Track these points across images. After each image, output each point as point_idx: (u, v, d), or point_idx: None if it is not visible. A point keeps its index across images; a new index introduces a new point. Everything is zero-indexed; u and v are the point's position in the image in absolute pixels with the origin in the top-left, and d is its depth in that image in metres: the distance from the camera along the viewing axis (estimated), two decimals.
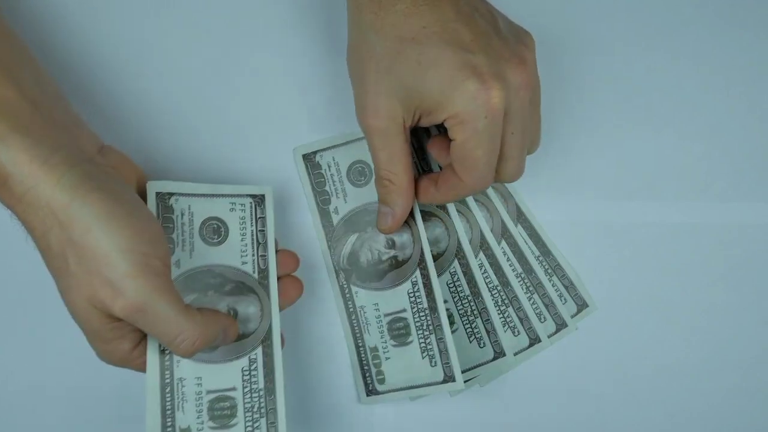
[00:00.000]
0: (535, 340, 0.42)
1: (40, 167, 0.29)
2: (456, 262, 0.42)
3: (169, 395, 0.35)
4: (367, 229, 0.41)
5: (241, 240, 0.38)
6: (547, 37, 0.44)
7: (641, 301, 0.43)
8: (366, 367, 0.40)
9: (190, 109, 0.42)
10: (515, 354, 0.42)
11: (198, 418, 0.35)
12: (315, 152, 0.42)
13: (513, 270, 0.43)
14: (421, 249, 0.40)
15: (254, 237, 0.38)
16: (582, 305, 0.43)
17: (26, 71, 0.33)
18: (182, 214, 0.37)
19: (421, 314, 0.39)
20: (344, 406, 0.42)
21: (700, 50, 0.45)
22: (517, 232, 0.43)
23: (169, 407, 0.35)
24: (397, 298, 0.40)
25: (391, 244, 0.41)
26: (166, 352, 0.35)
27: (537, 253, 0.44)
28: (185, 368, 0.35)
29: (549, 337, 0.43)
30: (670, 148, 0.44)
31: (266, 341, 0.37)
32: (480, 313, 0.42)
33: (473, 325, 0.42)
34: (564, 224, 0.44)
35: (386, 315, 0.40)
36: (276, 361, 0.37)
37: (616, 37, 0.44)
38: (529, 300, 0.43)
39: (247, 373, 0.36)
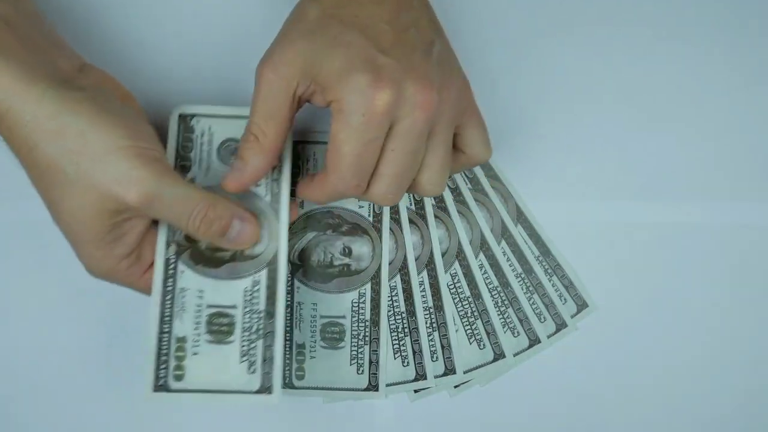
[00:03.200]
0: (535, 341, 0.43)
1: (18, 84, 0.30)
2: (457, 264, 0.42)
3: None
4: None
5: None
6: (547, 37, 0.44)
7: (641, 301, 0.43)
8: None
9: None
10: (515, 355, 0.42)
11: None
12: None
13: (513, 270, 0.43)
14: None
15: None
16: (582, 305, 0.43)
17: None
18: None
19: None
20: (350, 404, 0.42)
21: (700, 51, 0.44)
22: (517, 232, 0.43)
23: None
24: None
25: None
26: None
27: (537, 253, 0.44)
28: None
29: (549, 337, 0.43)
30: (670, 149, 0.44)
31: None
32: (480, 315, 0.42)
33: (473, 327, 0.42)
34: (564, 224, 0.44)
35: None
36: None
37: (615, 38, 0.44)
38: (529, 300, 0.43)
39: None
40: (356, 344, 0.41)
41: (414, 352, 0.42)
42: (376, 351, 0.41)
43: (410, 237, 0.42)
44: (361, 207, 0.42)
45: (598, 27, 0.44)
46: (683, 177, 0.44)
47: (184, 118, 0.39)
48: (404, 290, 0.42)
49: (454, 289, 0.42)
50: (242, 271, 0.37)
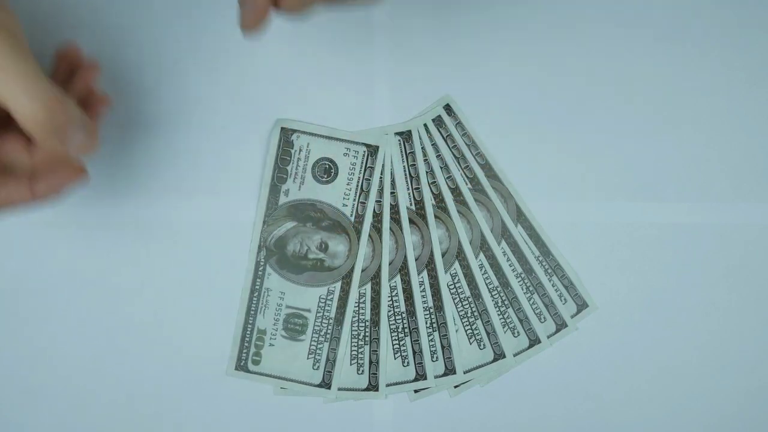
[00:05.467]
0: (535, 341, 0.43)
1: None
2: (457, 264, 0.42)
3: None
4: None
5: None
6: (547, 37, 0.44)
7: (641, 301, 0.43)
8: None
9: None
10: (515, 355, 0.42)
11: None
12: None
13: (513, 270, 0.43)
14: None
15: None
16: (582, 305, 0.43)
17: None
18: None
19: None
20: (343, 404, 0.42)
21: (700, 51, 0.44)
22: (517, 233, 0.43)
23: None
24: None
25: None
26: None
27: (537, 253, 0.44)
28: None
29: (549, 337, 0.43)
30: (670, 149, 0.44)
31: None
32: (480, 315, 0.42)
33: (473, 327, 0.42)
34: (564, 224, 0.44)
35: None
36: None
37: (616, 38, 0.44)
38: (529, 300, 0.43)
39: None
40: (356, 344, 0.41)
41: (414, 352, 0.42)
42: (376, 351, 0.41)
43: (410, 237, 0.42)
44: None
45: (599, 27, 0.44)
46: (683, 177, 0.44)
47: (285, 132, 0.42)
48: (404, 290, 0.42)
49: (454, 289, 0.42)
50: (320, 280, 0.42)
